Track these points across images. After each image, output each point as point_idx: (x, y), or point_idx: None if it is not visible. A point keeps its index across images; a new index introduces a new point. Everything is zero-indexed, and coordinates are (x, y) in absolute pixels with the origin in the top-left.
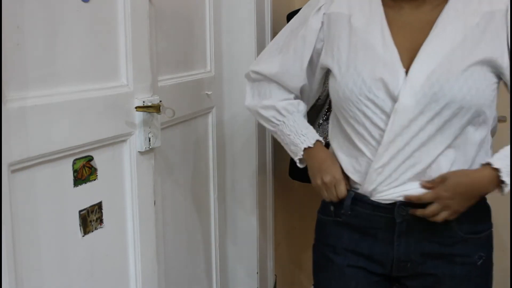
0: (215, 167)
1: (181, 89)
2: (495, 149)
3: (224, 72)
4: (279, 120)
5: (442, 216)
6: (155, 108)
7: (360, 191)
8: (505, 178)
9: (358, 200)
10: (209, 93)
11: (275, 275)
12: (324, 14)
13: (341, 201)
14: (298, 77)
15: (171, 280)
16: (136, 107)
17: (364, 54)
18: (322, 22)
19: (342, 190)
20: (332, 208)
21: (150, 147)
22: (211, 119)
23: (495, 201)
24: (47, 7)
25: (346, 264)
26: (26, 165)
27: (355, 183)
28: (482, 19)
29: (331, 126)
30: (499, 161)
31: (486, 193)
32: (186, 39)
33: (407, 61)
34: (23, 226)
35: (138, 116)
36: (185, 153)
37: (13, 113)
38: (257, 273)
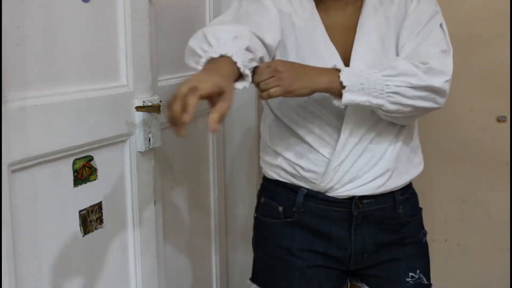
0: (215, 167)
1: None
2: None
3: None
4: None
5: (273, 90)
6: (155, 108)
7: (313, 188)
8: (344, 79)
9: (311, 197)
10: None
11: None
12: (273, 3)
13: (290, 200)
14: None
15: (171, 280)
16: (136, 107)
17: (310, 54)
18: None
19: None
20: (280, 209)
21: (150, 147)
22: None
23: (495, 201)
24: (47, 7)
25: (306, 266)
26: (26, 165)
27: (309, 181)
28: (397, 8)
29: (270, 129)
30: (347, 68)
31: (320, 84)
32: (186, 39)
33: (344, 61)
34: (23, 226)
35: (138, 116)
36: (185, 153)
37: (13, 113)
38: None
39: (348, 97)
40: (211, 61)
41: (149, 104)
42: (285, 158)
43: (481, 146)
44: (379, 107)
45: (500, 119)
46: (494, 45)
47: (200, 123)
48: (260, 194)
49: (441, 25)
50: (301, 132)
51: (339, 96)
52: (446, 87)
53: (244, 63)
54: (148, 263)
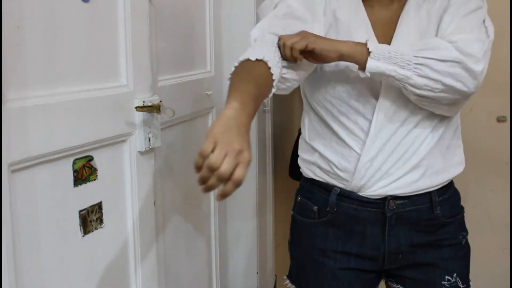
0: None
1: (181, 89)
2: (495, 148)
3: (224, 72)
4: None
5: (297, 43)
6: (155, 108)
7: (346, 187)
8: (371, 45)
9: (343, 197)
10: (209, 93)
11: (275, 275)
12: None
13: (324, 200)
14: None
15: (171, 280)
16: (136, 107)
17: None
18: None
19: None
20: (315, 208)
21: (150, 147)
22: (211, 119)
23: (495, 201)
24: (47, 7)
25: (338, 267)
26: (26, 165)
27: (342, 179)
28: (441, 3)
29: (309, 128)
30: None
31: (345, 48)
32: (186, 39)
33: None
34: (23, 226)
35: (138, 116)
36: (185, 153)
37: (13, 113)
38: (257, 273)
39: (373, 64)
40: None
41: (149, 104)
42: (320, 154)
43: (481, 146)
44: (406, 80)
45: (500, 119)
46: (494, 45)
47: (200, 123)
48: (297, 192)
49: (484, 21)
50: (335, 126)
51: (365, 66)
52: (478, 68)
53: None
54: (148, 263)
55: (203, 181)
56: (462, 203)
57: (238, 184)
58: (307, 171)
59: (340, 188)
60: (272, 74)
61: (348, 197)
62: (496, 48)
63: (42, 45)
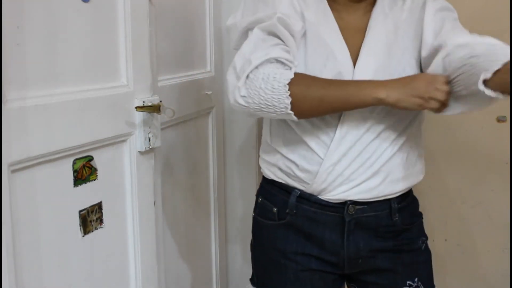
0: (215, 167)
1: (181, 89)
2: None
3: (224, 72)
4: None
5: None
6: (155, 108)
7: (307, 190)
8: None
9: (303, 199)
10: (209, 93)
11: None
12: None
13: (284, 202)
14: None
15: (171, 280)
16: (136, 107)
17: (320, 52)
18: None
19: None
20: (275, 210)
21: (150, 147)
22: (211, 119)
23: (495, 201)
24: (47, 7)
25: (300, 269)
26: (26, 165)
27: (303, 182)
28: (409, 14)
29: (271, 127)
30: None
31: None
32: (186, 39)
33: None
34: (23, 226)
35: (138, 116)
36: (185, 153)
37: (13, 113)
38: None
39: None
40: None
41: (149, 104)
42: (282, 156)
43: (481, 146)
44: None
45: (500, 119)
46: None
47: (200, 123)
48: (258, 194)
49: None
50: (299, 129)
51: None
52: None
53: None
54: (148, 263)
55: None
56: (461, 203)
57: None
58: (268, 172)
59: (300, 190)
60: None
61: (307, 199)
62: None
63: (42, 45)
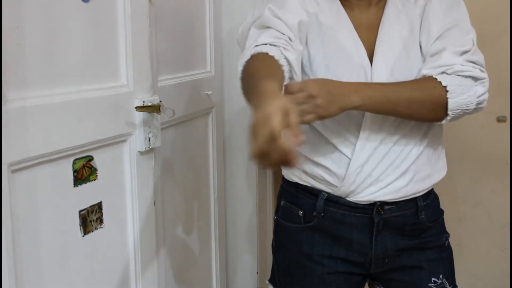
0: (215, 167)
1: (181, 89)
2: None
3: (224, 72)
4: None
5: (308, 118)
6: (155, 108)
7: (334, 192)
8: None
9: (331, 202)
10: (209, 93)
11: None
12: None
13: (310, 205)
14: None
15: (171, 280)
16: (136, 107)
17: (338, 54)
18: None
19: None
20: (300, 213)
21: (150, 147)
22: (211, 119)
23: (495, 201)
24: (47, 7)
25: (326, 272)
26: (26, 165)
27: (330, 185)
28: (422, 9)
29: None
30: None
31: (350, 102)
32: (186, 39)
33: (369, 59)
34: (23, 226)
35: (138, 116)
36: (185, 153)
37: (13, 113)
38: (257, 273)
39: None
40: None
41: (149, 104)
42: (307, 159)
43: (481, 146)
44: None
45: (500, 119)
46: (494, 45)
47: (200, 123)
48: (280, 196)
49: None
50: (325, 131)
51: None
52: None
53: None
54: (148, 263)
55: None
56: (462, 203)
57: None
58: (291, 175)
59: (328, 193)
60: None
61: (336, 202)
62: (496, 48)
63: (42, 45)
